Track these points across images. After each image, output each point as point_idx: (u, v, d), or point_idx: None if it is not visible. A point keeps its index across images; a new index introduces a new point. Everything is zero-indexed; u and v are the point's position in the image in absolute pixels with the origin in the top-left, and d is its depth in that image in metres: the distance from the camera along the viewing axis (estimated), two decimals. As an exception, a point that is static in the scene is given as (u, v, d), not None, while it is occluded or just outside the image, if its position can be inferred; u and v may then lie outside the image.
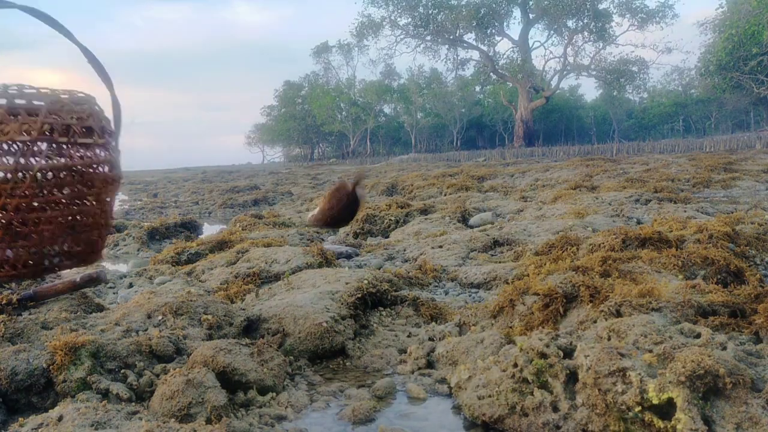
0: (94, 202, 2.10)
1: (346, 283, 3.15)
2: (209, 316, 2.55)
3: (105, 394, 1.92)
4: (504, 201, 8.78)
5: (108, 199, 2.19)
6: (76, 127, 1.85)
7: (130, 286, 4.33)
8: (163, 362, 2.19)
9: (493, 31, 45.81)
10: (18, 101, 1.74)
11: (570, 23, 44.40)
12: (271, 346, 2.31)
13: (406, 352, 2.57)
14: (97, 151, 1.98)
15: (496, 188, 11.39)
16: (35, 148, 1.78)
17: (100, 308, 2.91)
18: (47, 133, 1.78)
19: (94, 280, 2.89)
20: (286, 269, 4.07)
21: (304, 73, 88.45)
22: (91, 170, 1.97)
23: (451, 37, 45.92)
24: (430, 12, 44.67)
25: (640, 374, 1.41)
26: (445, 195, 10.68)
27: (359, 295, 3.02)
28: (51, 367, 1.94)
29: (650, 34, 59.12)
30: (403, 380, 2.34)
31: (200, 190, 17.83)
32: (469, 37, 46.32)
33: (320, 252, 4.50)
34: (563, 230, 5.08)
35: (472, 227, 6.37)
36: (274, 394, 2.10)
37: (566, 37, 45.19)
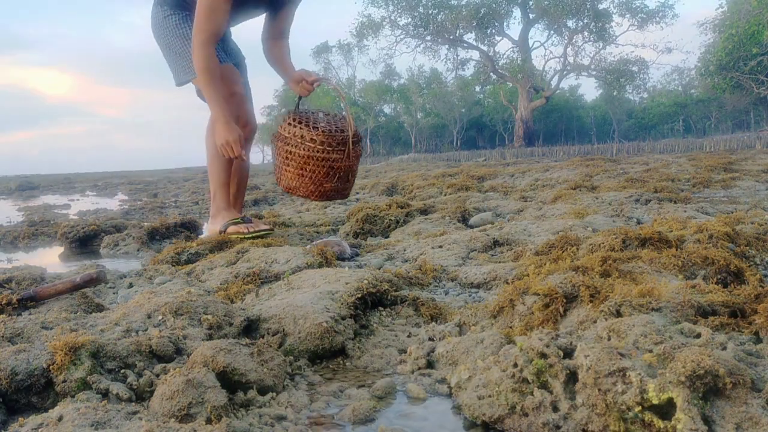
0: (355, 166, 4.36)
1: (346, 283, 3.15)
2: (209, 316, 2.55)
3: (105, 394, 1.92)
4: (504, 201, 8.77)
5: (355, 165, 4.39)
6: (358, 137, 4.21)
7: (130, 286, 4.32)
8: (163, 362, 2.18)
9: (493, 31, 45.78)
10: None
11: (570, 23, 44.37)
12: (271, 346, 2.31)
13: (406, 352, 2.57)
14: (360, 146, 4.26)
15: (496, 188, 11.37)
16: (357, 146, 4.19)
17: (100, 308, 2.91)
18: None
19: (94, 280, 2.89)
20: (286, 269, 4.07)
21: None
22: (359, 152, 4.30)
23: (451, 37, 45.89)
24: (430, 12, 44.65)
25: (640, 374, 1.41)
26: (445, 195, 10.66)
27: (359, 295, 3.02)
28: (51, 367, 1.94)
29: (650, 34, 59.17)
30: (403, 380, 2.34)
31: (200, 190, 17.81)
32: (469, 37, 46.31)
33: (320, 252, 4.50)
34: (563, 230, 5.07)
35: (472, 227, 6.36)
36: (274, 394, 2.10)
37: (566, 37, 45.17)
